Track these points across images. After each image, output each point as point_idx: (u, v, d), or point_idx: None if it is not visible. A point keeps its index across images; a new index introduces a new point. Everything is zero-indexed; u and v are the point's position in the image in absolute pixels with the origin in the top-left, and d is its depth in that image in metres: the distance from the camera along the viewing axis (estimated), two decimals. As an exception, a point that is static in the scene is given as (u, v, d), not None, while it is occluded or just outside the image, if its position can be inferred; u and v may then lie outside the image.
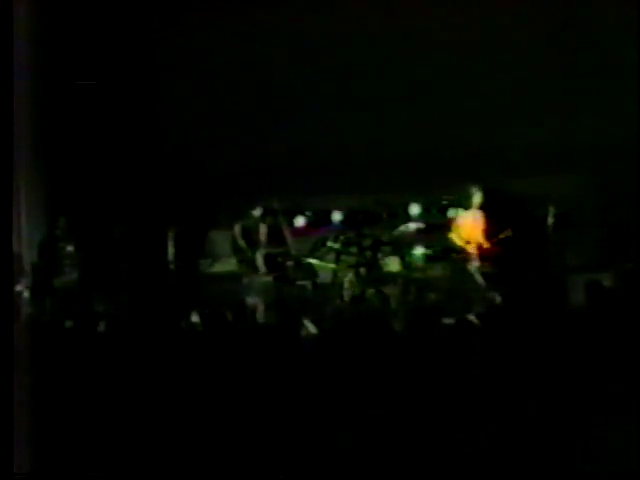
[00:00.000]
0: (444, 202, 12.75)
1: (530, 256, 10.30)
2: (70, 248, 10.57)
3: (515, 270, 9.96)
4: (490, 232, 9.95)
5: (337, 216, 12.72)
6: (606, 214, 12.13)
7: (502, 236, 9.84)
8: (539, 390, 5.27)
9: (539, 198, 11.10)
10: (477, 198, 10.13)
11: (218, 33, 10.57)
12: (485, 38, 10.64)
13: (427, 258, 12.47)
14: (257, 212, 11.13)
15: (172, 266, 11.62)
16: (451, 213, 12.65)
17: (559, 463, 4.75)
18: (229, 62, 10.88)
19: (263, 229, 10.90)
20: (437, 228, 12.63)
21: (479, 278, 9.84)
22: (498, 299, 8.73)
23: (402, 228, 12.60)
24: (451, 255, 10.46)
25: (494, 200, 10.19)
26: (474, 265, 9.89)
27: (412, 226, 12.61)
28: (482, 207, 10.10)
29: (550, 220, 10.57)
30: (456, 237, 10.21)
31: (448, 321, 6.12)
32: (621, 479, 4.62)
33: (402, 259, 12.37)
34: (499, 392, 5.27)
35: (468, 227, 10.14)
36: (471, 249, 9.96)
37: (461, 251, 10.12)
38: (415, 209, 12.68)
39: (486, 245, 9.91)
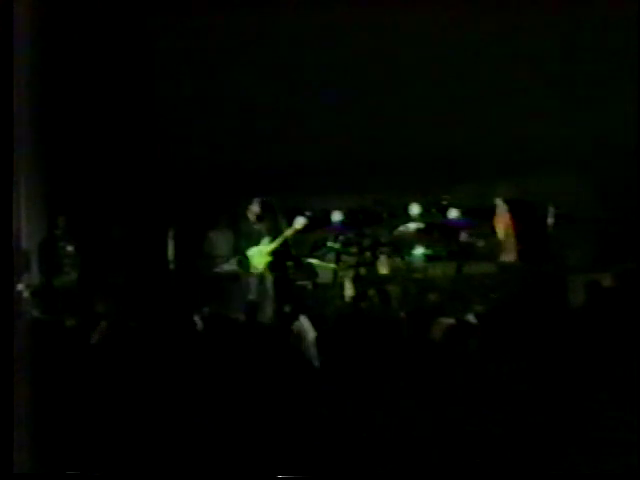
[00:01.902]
0: (444, 202, 12.76)
1: (535, 254, 10.33)
2: (70, 248, 10.58)
3: (524, 267, 10.00)
4: (518, 228, 9.98)
5: (337, 216, 12.72)
6: (606, 214, 12.13)
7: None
8: (539, 390, 5.27)
9: (539, 198, 11.12)
10: (501, 196, 10.11)
11: (219, 31, 10.57)
12: (486, 38, 10.64)
13: (427, 258, 12.50)
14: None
15: (172, 266, 11.65)
16: (452, 214, 12.67)
17: (559, 462, 4.75)
18: (229, 61, 10.88)
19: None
20: (438, 228, 12.67)
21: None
22: (499, 298, 8.76)
23: (402, 228, 12.63)
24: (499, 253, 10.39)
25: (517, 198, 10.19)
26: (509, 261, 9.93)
27: (412, 226, 12.63)
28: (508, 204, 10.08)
29: (550, 220, 10.57)
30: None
31: (448, 321, 6.13)
32: (621, 479, 4.63)
33: (402, 259, 12.40)
34: (499, 392, 5.27)
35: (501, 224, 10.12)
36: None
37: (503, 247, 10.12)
38: (415, 209, 12.68)
39: (514, 241, 9.92)
